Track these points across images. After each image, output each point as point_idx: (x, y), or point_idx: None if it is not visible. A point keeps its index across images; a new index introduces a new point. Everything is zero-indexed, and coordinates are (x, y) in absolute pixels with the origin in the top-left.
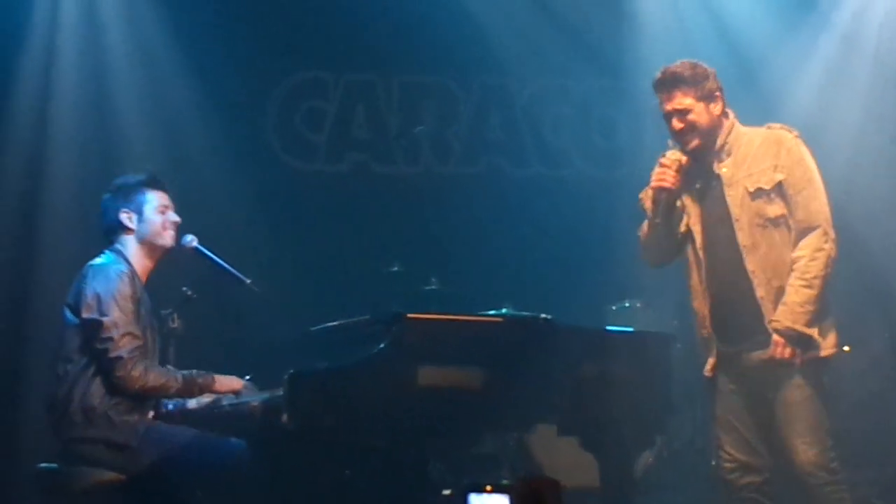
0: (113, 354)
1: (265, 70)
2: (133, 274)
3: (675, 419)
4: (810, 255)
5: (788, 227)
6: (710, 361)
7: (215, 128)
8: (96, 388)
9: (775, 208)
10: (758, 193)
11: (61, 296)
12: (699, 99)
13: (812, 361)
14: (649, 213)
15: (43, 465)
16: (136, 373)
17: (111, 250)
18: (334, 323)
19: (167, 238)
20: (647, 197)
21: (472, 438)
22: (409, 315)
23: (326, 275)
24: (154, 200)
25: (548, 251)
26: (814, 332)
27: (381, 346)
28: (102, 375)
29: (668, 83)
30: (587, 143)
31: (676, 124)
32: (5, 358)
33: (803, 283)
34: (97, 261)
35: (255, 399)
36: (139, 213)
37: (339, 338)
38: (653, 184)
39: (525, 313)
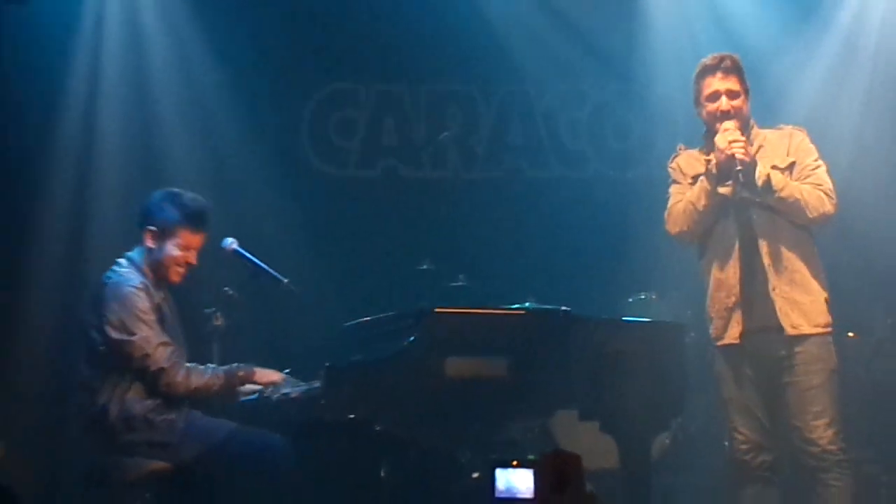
0: (154, 368)
1: (299, 81)
2: (147, 285)
3: (689, 404)
4: (813, 188)
5: None
6: (737, 329)
7: (252, 136)
8: (133, 396)
9: None
10: (773, 171)
11: None
12: (745, 91)
13: (822, 344)
14: (710, 176)
15: (93, 456)
16: (179, 378)
17: (127, 258)
18: (367, 318)
19: (173, 275)
20: (712, 166)
21: (497, 425)
22: (437, 309)
23: (360, 273)
24: (182, 238)
25: (567, 247)
26: (759, 179)
27: (412, 339)
28: (146, 388)
29: (727, 67)
30: (603, 145)
31: (725, 104)
32: (55, 356)
33: (799, 187)
34: (110, 276)
35: (296, 391)
36: (162, 239)
37: (373, 332)
38: (731, 151)
39: (546, 306)
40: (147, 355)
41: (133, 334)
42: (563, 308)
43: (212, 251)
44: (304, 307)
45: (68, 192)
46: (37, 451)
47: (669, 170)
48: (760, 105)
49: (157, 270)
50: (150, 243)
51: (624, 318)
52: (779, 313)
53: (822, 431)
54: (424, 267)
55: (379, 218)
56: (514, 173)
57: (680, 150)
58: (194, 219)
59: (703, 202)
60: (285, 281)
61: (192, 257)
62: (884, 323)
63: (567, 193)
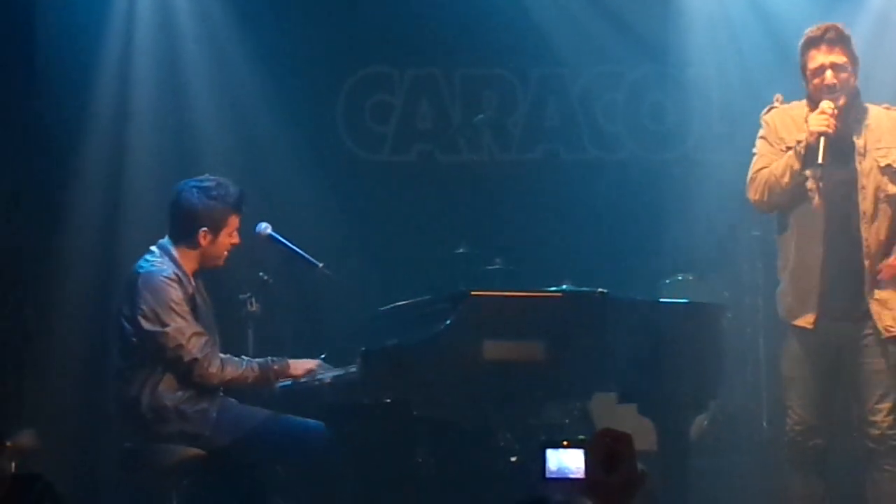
0: (188, 358)
1: (334, 67)
2: (179, 276)
3: (727, 385)
4: None
5: None
6: (812, 316)
7: (288, 122)
8: (165, 388)
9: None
10: (887, 169)
11: None
12: (852, 62)
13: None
14: (796, 155)
15: (127, 444)
16: (213, 369)
17: (159, 248)
18: (404, 302)
19: (221, 261)
20: (800, 147)
21: (535, 407)
22: (474, 292)
23: (396, 258)
24: (231, 225)
25: (604, 230)
26: None
27: (448, 322)
28: (179, 378)
29: (831, 38)
30: (638, 127)
31: (830, 78)
32: (91, 345)
33: None
34: (143, 266)
35: (331, 375)
36: (215, 235)
37: (409, 316)
38: (812, 128)
39: (583, 288)
40: (181, 346)
41: (166, 325)
42: (600, 290)
43: (246, 236)
44: (339, 292)
45: (102, 179)
46: (72, 439)
47: (762, 121)
48: (795, 84)
49: (208, 261)
50: (204, 242)
51: (661, 300)
52: (875, 317)
53: (883, 415)
54: (461, 250)
55: (414, 202)
56: (550, 156)
57: (777, 101)
58: (240, 204)
59: (786, 179)
60: (320, 265)
61: (237, 238)
62: None
63: (603, 176)
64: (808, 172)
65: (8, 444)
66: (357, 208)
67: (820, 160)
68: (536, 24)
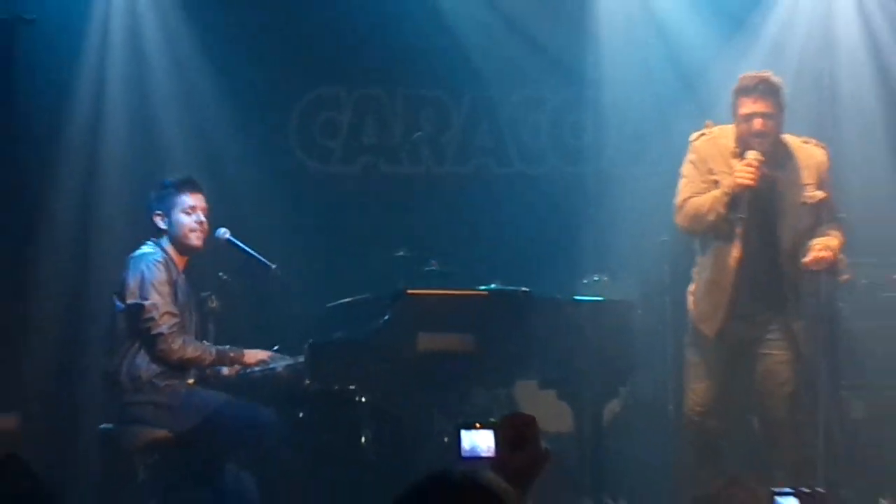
0: (155, 331)
1: (287, 87)
2: (168, 261)
3: (637, 373)
4: (839, 238)
5: (813, 230)
6: (717, 325)
7: (246, 138)
8: (141, 361)
9: (809, 218)
10: (801, 206)
11: (113, 285)
12: (779, 111)
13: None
14: (722, 201)
15: (102, 426)
16: (175, 346)
17: (152, 240)
18: (348, 300)
19: (192, 239)
20: (725, 192)
21: (465, 393)
22: (410, 291)
23: (342, 259)
24: (183, 203)
25: (529, 235)
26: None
27: (387, 317)
28: (147, 350)
29: (763, 91)
30: (560, 144)
31: (759, 126)
32: (70, 337)
33: (835, 242)
34: (137, 252)
35: (280, 366)
36: (168, 215)
37: (353, 312)
38: (738, 180)
39: (508, 287)
40: (152, 318)
41: (145, 299)
42: (524, 289)
43: (207, 240)
44: (290, 290)
45: (77, 186)
46: (51, 422)
47: (691, 146)
48: (696, 109)
49: (179, 244)
50: (161, 224)
51: (576, 298)
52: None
53: (783, 401)
54: (401, 253)
55: (360, 209)
56: (482, 170)
57: (707, 127)
58: (182, 184)
59: (711, 217)
60: (273, 267)
61: (201, 216)
62: None
63: (529, 187)
64: (731, 216)
65: None
66: (308, 215)
67: (742, 214)
68: (470, 52)
